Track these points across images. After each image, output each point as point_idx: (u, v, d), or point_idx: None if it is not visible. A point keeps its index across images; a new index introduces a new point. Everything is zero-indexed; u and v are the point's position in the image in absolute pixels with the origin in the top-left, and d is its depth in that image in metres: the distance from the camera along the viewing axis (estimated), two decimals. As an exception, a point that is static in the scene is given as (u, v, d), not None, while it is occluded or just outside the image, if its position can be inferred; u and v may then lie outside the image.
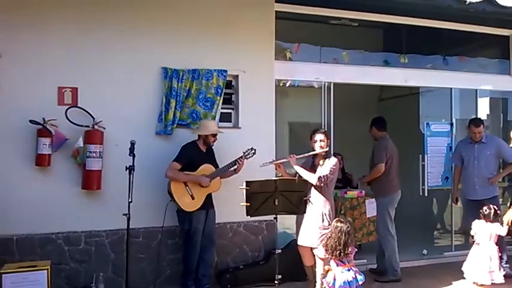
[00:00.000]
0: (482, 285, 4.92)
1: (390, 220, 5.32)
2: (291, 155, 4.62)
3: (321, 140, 4.57)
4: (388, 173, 5.29)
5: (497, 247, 4.93)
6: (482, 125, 5.56)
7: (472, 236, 5.11)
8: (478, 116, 6.63)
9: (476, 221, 5.04)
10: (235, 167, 4.79)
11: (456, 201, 5.94)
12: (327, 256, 4.06)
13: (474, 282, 4.97)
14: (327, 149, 4.63)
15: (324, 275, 4.28)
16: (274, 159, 4.94)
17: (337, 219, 4.17)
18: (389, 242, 5.26)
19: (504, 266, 5.22)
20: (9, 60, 4.49)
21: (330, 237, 4.05)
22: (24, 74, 4.56)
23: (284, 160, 4.69)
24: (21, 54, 4.55)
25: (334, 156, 4.74)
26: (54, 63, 4.65)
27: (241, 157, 4.79)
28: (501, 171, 5.80)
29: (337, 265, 4.01)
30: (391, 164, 5.30)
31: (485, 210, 4.99)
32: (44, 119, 4.50)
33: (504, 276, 4.92)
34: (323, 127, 5.56)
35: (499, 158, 5.75)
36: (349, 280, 3.95)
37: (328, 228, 4.28)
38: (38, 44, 4.60)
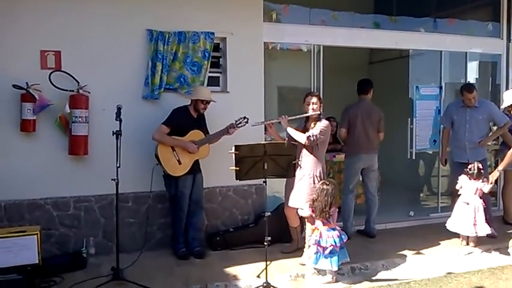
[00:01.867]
0: (466, 237, 5.10)
1: (349, 180, 5.39)
2: (283, 116, 4.60)
3: (313, 103, 4.56)
4: (350, 137, 5.35)
5: (482, 200, 5.05)
6: (475, 91, 5.55)
7: (457, 191, 5.22)
8: (468, 80, 6.65)
9: (463, 176, 5.16)
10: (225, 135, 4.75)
11: (445, 163, 6.01)
12: (312, 215, 4.25)
13: (468, 237, 5.11)
14: (319, 112, 4.62)
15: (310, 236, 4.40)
16: (266, 119, 4.91)
17: (322, 181, 4.34)
18: (344, 201, 5.38)
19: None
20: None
21: (316, 199, 4.23)
22: (4, 37, 4.42)
23: (276, 121, 4.68)
24: (3, 17, 4.40)
25: (328, 120, 4.74)
26: (35, 26, 4.51)
27: (233, 126, 4.74)
28: (491, 134, 5.84)
29: (323, 224, 4.20)
30: (354, 128, 5.30)
31: (470, 169, 5.10)
32: (27, 83, 4.41)
33: (487, 235, 5.07)
34: (313, 91, 5.52)
35: (490, 122, 5.78)
36: (334, 238, 4.14)
37: (311, 200, 4.37)
38: (18, 6, 4.44)
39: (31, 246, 4.02)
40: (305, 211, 4.39)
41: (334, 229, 4.23)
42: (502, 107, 5.58)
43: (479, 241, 5.15)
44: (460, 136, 5.66)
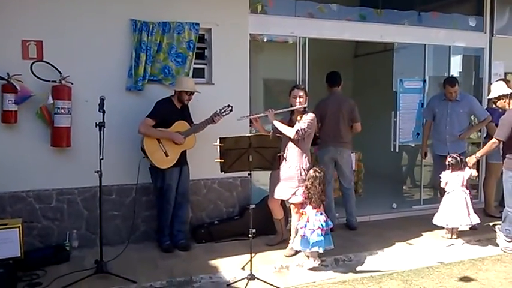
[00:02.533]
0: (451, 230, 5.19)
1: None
2: (270, 110, 4.60)
3: (300, 96, 4.57)
4: (321, 130, 5.37)
5: (468, 191, 5.15)
6: (457, 84, 5.62)
7: (442, 189, 5.29)
8: (451, 74, 6.71)
9: (444, 172, 5.22)
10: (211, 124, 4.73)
11: (425, 156, 6.08)
12: (305, 202, 4.35)
13: (453, 229, 5.19)
14: (306, 106, 4.63)
15: (296, 229, 4.44)
16: (252, 113, 4.90)
17: (313, 169, 4.41)
18: None
19: None
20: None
21: (310, 187, 4.30)
22: (-16, 25, 4.32)
23: (262, 115, 4.67)
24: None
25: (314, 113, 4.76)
26: (17, 15, 4.41)
27: (217, 114, 4.73)
28: (471, 127, 5.92)
29: (313, 208, 4.30)
30: (324, 120, 5.32)
31: (452, 160, 5.16)
32: (8, 74, 4.32)
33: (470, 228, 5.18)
34: (299, 83, 5.52)
35: (471, 116, 5.86)
36: (321, 222, 4.27)
37: (305, 188, 4.42)
38: (-3, -7, 4.34)
39: (13, 240, 3.96)
40: (298, 198, 4.44)
41: (321, 214, 4.33)
42: (488, 97, 5.65)
43: (461, 233, 5.24)
44: (441, 129, 5.74)
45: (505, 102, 4.97)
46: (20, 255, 3.97)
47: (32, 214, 4.57)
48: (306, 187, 4.35)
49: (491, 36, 6.86)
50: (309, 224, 4.28)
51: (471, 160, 5.10)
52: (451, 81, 5.67)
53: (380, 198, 6.80)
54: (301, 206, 4.47)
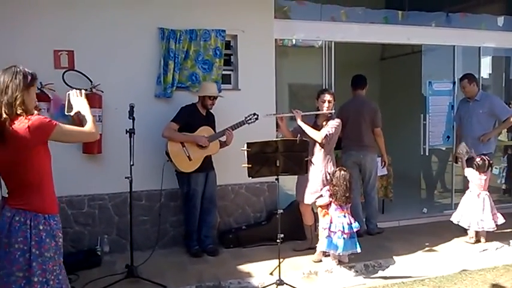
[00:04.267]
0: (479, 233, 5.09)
1: None
2: (296, 110, 4.60)
3: (328, 101, 4.57)
4: (344, 134, 5.25)
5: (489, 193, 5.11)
6: (466, 80, 5.51)
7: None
8: (481, 75, 6.56)
9: (468, 170, 5.15)
10: (225, 138, 4.73)
11: (456, 160, 5.94)
12: (332, 201, 4.34)
13: (477, 233, 5.08)
14: (333, 111, 4.62)
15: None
16: (279, 112, 4.90)
17: (339, 168, 4.43)
18: None
19: None
20: (3, 25, 4.39)
21: (335, 185, 4.32)
22: (18, 38, 4.46)
23: (289, 114, 4.68)
24: (15, 17, 4.44)
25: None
26: (48, 26, 4.55)
27: (243, 122, 4.73)
28: (494, 129, 5.68)
29: (335, 209, 4.32)
30: (346, 124, 5.19)
31: (479, 161, 5.07)
32: (41, 83, 4.42)
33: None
34: (326, 87, 5.50)
35: (494, 116, 5.66)
36: (343, 224, 4.25)
37: (330, 185, 4.44)
38: (32, 7, 4.49)
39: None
40: (324, 198, 4.43)
41: (345, 216, 4.31)
42: None
43: (494, 238, 5.10)
44: (464, 131, 5.65)
45: None
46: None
47: (65, 219, 4.65)
48: (331, 184, 4.36)
49: (522, 36, 6.69)
50: (332, 225, 4.28)
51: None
52: (469, 76, 5.58)
53: (410, 202, 6.69)
54: (327, 207, 4.44)
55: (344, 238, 4.23)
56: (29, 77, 2.51)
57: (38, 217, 2.47)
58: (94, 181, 4.75)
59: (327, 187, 4.44)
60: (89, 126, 2.71)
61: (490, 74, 7.00)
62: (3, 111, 2.39)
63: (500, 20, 6.73)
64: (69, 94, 2.83)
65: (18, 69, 2.50)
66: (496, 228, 5.04)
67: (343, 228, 4.25)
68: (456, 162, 5.95)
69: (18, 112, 2.42)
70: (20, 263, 2.42)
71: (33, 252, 2.43)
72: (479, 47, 6.53)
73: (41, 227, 2.47)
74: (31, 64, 4.37)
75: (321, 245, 4.41)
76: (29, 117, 2.44)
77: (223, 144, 4.79)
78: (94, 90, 4.58)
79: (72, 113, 2.80)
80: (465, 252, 4.93)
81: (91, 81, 4.59)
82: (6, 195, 2.55)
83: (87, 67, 4.62)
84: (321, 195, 4.51)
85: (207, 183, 4.79)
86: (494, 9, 6.87)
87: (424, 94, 6.32)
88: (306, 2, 5.86)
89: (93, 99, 4.54)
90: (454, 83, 6.34)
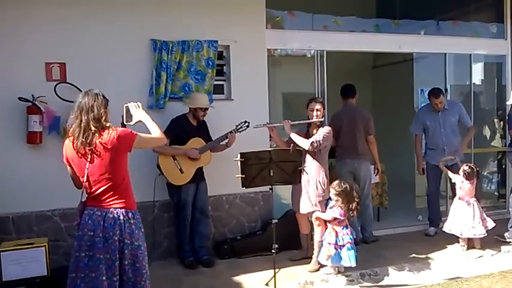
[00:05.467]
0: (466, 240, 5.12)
1: None
2: (286, 120, 4.61)
3: (317, 110, 4.56)
4: (337, 143, 5.27)
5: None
6: (442, 95, 5.48)
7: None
8: (473, 81, 6.61)
9: (457, 177, 5.17)
10: (227, 140, 4.76)
11: (423, 172, 5.86)
12: (341, 218, 4.30)
13: (469, 240, 5.10)
14: (323, 119, 4.62)
15: (321, 242, 4.38)
16: (269, 122, 4.89)
17: (337, 182, 4.36)
18: None
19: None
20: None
21: (344, 199, 4.27)
22: (10, 51, 4.46)
23: (278, 124, 4.68)
24: (6, 30, 4.44)
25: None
26: (40, 38, 4.54)
27: (233, 130, 4.75)
28: (463, 139, 5.71)
29: (339, 222, 4.30)
30: (340, 133, 5.22)
31: (468, 169, 5.09)
32: (33, 95, 4.43)
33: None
34: (317, 96, 5.52)
35: (461, 123, 5.69)
36: (349, 235, 4.29)
37: (323, 195, 4.46)
38: (23, 19, 4.48)
39: (39, 258, 4.03)
40: (328, 215, 4.37)
41: (347, 227, 4.33)
42: (508, 103, 5.53)
43: (489, 245, 5.11)
44: (437, 141, 5.62)
45: None
46: (46, 273, 4.04)
47: (58, 233, 4.64)
48: (342, 201, 4.28)
49: (512, 43, 6.75)
50: (338, 239, 4.24)
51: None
52: (435, 92, 5.53)
53: (405, 210, 6.68)
54: (329, 221, 4.40)
55: (352, 247, 4.24)
56: (106, 98, 3.00)
57: (128, 213, 2.97)
58: (87, 193, 4.71)
59: (333, 202, 4.35)
60: (157, 131, 3.13)
61: (482, 80, 7.05)
62: (91, 126, 2.85)
63: (491, 27, 6.80)
64: (127, 106, 3.18)
65: (97, 91, 2.99)
66: (486, 234, 5.05)
67: (351, 238, 4.27)
68: (422, 174, 5.86)
69: (107, 125, 2.90)
70: (116, 252, 2.88)
71: (126, 242, 2.91)
72: (470, 54, 6.58)
73: (132, 221, 2.97)
74: (23, 77, 4.46)
75: (322, 259, 4.34)
76: (116, 128, 2.93)
77: (224, 147, 4.78)
78: (86, 102, 4.55)
79: (132, 123, 3.16)
80: (461, 259, 4.93)
81: (83, 93, 4.57)
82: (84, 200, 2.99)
83: (79, 79, 4.59)
84: (314, 205, 4.50)
85: (197, 193, 4.77)
86: (485, 17, 6.94)
87: (416, 102, 6.35)
88: (298, 11, 5.90)
89: (86, 111, 4.53)
90: (446, 90, 6.37)
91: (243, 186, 4.05)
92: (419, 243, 5.37)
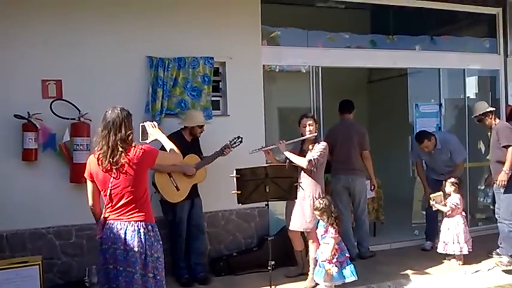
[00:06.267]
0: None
1: (336, 199, 5.18)
2: (281, 141, 4.60)
3: (309, 125, 4.56)
4: (332, 158, 5.24)
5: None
6: (426, 140, 5.43)
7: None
8: (467, 95, 6.65)
9: (454, 195, 5.21)
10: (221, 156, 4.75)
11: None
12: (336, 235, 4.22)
13: (457, 258, 5.14)
14: (316, 134, 4.63)
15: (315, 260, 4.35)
16: (264, 145, 4.89)
17: (315, 205, 4.29)
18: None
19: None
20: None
21: (329, 214, 4.20)
22: (6, 68, 4.47)
23: (274, 146, 4.68)
24: (2, 47, 4.45)
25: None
26: (36, 56, 4.56)
27: (227, 146, 4.75)
28: (453, 171, 5.64)
29: (334, 236, 4.20)
30: (334, 148, 5.22)
31: (455, 180, 5.22)
32: (28, 113, 4.43)
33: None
34: (312, 112, 5.56)
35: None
36: (344, 249, 4.27)
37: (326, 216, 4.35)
38: (19, 37, 4.51)
39: (34, 277, 4.01)
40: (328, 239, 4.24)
41: (341, 242, 4.31)
42: (473, 116, 5.60)
43: (485, 259, 5.15)
44: (432, 174, 5.74)
45: (490, 119, 5.25)
46: (40, 292, 3.99)
47: (52, 250, 4.60)
48: (329, 218, 4.21)
49: (505, 57, 6.81)
50: (336, 256, 4.17)
51: (502, 177, 5.02)
52: (419, 138, 5.51)
53: (401, 225, 6.67)
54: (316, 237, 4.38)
55: (349, 262, 4.22)
56: (131, 114, 3.11)
57: (148, 225, 3.05)
58: (82, 211, 4.63)
59: (324, 224, 4.25)
60: (175, 149, 3.26)
61: (476, 94, 7.11)
62: (119, 147, 2.95)
63: (484, 42, 6.88)
64: (143, 125, 3.30)
65: (123, 108, 3.09)
66: (471, 250, 5.09)
67: (347, 253, 4.26)
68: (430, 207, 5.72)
69: (133, 144, 3.02)
70: (139, 264, 2.96)
71: (147, 254, 2.99)
72: (464, 69, 6.64)
73: (151, 234, 3.05)
74: (19, 94, 4.47)
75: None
76: (141, 146, 3.04)
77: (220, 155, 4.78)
78: (82, 119, 4.56)
79: (148, 141, 3.24)
80: (457, 274, 4.91)
81: (79, 110, 4.58)
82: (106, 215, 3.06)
83: (75, 96, 4.61)
84: (309, 223, 4.48)
85: (192, 210, 4.75)
86: (478, 32, 7.03)
87: (411, 116, 6.38)
88: (293, 28, 5.95)
89: (82, 128, 4.54)
90: (440, 104, 6.42)
91: (239, 203, 4.04)
92: (416, 258, 5.35)
